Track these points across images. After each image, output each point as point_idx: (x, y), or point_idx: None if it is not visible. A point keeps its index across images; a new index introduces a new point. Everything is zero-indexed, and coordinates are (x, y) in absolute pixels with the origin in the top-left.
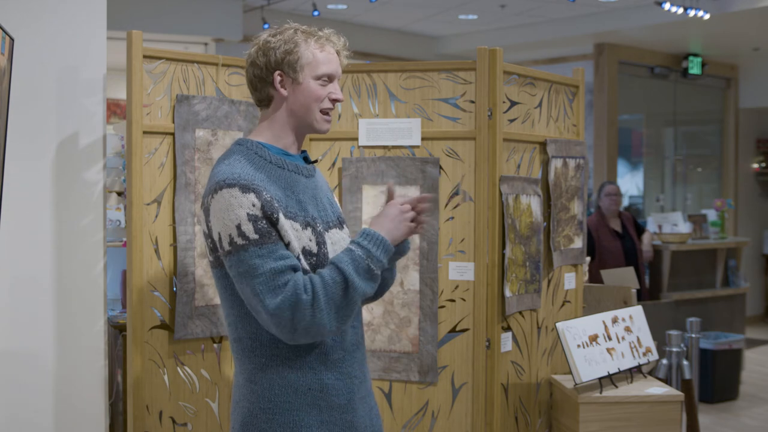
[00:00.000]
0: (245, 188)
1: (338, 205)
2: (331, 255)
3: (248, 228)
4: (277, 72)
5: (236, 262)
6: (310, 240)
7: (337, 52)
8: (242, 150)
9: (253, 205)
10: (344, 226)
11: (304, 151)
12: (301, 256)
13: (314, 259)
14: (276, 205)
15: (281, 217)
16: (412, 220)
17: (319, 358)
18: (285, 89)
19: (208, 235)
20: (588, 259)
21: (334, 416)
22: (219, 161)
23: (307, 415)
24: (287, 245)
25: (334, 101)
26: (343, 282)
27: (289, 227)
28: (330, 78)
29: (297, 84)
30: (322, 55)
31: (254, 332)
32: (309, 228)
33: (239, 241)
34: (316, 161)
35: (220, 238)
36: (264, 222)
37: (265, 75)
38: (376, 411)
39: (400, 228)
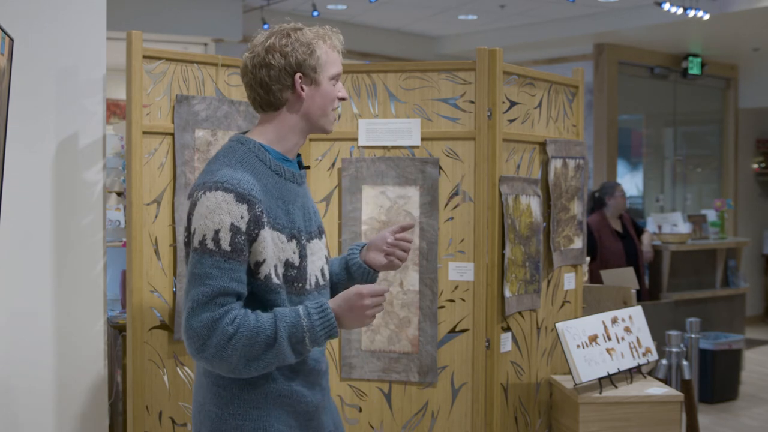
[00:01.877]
0: (241, 197)
1: (319, 213)
2: (309, 267)
3: (225, 237)
4: (298, 74)
5: (195, 262)
6: (294, 252)
7: (338, 52)
8: (244, 151)
9: (241, 218)
10: (323, 235)
11: (299, 156)
12: (280, 270)
13: (295, 271)
14: (264, 220)
15: (262, 233)
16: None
17: (292, 365)
18: (303, 91)
19: (187, 228)
20: (588, 259)
21: (301, 423)
22: (219, 158)
23: (276, 421)
24: (261, 263)
25: (340, 99)
26: (271, 338)
27: (270, 241)
28: (338, 78)
29: (317, 86)
30: (334, 55)
31: None
32: (294, 240)
33: (210, 245)
34: (308, 167)
35: (194, 233)
36: (243, 238)
37: (282, 77)
38: (339, 418)
39: (357, 321)
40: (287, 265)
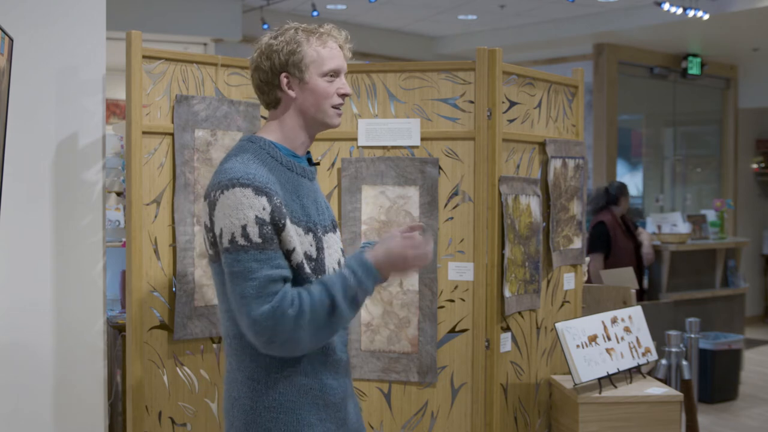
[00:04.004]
0: (259, 190)
1: (331, 208)
2: (327, 260)
3: (253, 231)
4: (283, 74)
5: (232, 261)
6: (311, 245)
7: (340, 47)
8: (255, 149)
9: (263, 209)
10: (337, 229)
11: (308, 153)
12: (304, 261)
13: (313, 263)
14: (284, 210)
15: (288, 222)
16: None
17: (320, 359)
18: (293, 90)
19: (210, 229)
20: (587, 259)
21: (331, 414)
22: (231, 157)
23: (308, 414)
24: (292, 251)
25: (343, 96)
26: (330, 306)
27: (293, 233)
28: (336, 73)
29: (304, 83)
30: (325, 51)
31: None
32: (310, 233)
33: (241, 241)
34: (318, 163)
35: (221, 234)
36: (269, 228)
37: (271, 78)
38: (358, 405)
39: (400, 267)
40: (306, 257)
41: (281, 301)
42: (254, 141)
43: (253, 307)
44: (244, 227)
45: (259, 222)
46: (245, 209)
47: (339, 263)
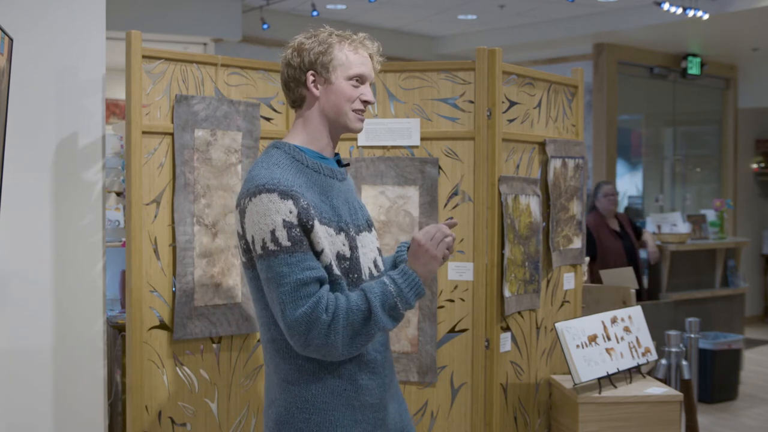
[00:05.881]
0: (284, 194)
1: (366, 207)
2: (362, 259)
3: (282, 234)
4: (310, 72)
5: (265, 267)
6: (344, 245)
7: (370, 56)
8: (280, 154)
9: (290, 212)
10: (372, 228)
11: (337, 154)
12: (334, 262)
13: (347, 263)
14: (312, 212)
15: (316, 224)
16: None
17: (355, 360)
18: (317, 89)
19: (242, 236)
20: (587, 259)
21: (367, 415)
22: (258, 164)
23: (342, 415)
24: (320, 253)
25: (365, 102)
26: (366, 312)
27: (323, 233)
28: (362, 79)
29: (329, 84)
30: (355, 57)
31: None
32: (342, 233)
33: (271, 246)
34: (348, 164)
35: (253, 241)
36: (298, 230)
37: (298, 75)
38: (405, 406)
39: (429, 266)
40: (339, 257)
41: (315, 306)
42: (279, 146)
43: (287, 311)
44: (272, 232)
45: (287, 225)
46: (272, 214)
47: (375, 262)
